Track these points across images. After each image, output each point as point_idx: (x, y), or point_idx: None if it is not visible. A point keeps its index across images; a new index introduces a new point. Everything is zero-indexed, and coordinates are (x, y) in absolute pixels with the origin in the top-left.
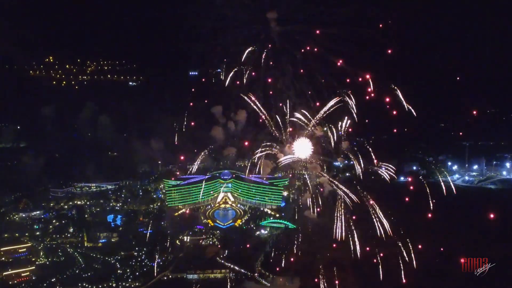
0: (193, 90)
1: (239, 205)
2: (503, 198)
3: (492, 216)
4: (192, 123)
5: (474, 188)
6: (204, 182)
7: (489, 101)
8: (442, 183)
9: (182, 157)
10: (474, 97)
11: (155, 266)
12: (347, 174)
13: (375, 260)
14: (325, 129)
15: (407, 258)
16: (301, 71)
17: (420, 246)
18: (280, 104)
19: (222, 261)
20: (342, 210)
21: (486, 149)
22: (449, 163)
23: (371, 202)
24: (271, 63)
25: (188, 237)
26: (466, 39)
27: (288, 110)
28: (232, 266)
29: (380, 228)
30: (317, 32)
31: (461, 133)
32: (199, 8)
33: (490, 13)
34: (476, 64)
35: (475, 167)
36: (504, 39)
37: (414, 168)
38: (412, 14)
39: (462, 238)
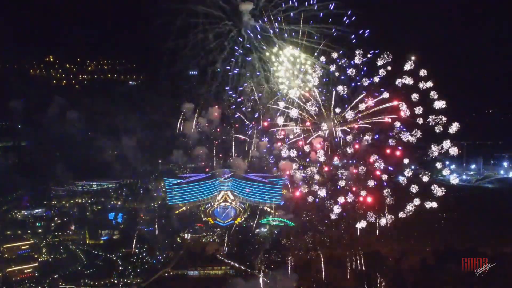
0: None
1: (238, 203)
2: (501, 197)
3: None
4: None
5: (472, 187)
6: (204, 180)
7: (488, 100)
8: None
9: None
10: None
11: (156, 263)
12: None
13: None
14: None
15: None
16: None
17: None
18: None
19: (222, 258)
20: None
21: (484, 148)
22: (447, 162)
23: None
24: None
25: (189, 235)
26: (462, 38)
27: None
28: (232, 263)
29: None
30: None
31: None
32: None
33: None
34: (474, 63)
35: (473, 166)
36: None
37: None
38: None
39: (460, 237)
